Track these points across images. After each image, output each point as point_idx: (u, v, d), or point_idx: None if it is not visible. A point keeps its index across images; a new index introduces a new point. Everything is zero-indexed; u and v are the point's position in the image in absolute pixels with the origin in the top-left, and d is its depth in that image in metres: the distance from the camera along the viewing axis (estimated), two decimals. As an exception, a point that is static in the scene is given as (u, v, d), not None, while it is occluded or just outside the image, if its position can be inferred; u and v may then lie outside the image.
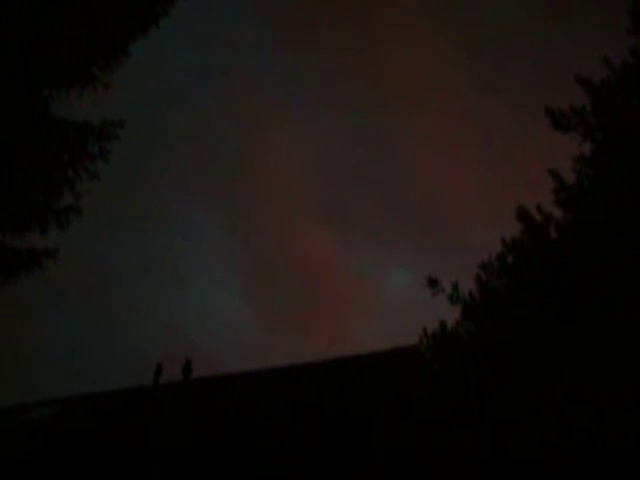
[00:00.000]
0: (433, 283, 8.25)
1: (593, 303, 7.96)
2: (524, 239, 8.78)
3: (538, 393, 7.71)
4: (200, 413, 11.61)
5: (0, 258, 9.17)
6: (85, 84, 9.37)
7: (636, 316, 7.55)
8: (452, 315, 8.39)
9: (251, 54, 25.70)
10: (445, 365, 8.71)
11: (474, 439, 8.00)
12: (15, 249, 9.24)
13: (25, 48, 8.80)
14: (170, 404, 12.57)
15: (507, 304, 8.63)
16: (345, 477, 8.99)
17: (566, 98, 9.05)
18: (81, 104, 9.28)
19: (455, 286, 8.28)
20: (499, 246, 8.65)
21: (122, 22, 9.59)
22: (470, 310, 8.64)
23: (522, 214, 8.71)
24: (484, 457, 8.03)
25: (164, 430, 11.24)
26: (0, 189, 8.90)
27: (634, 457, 6.90)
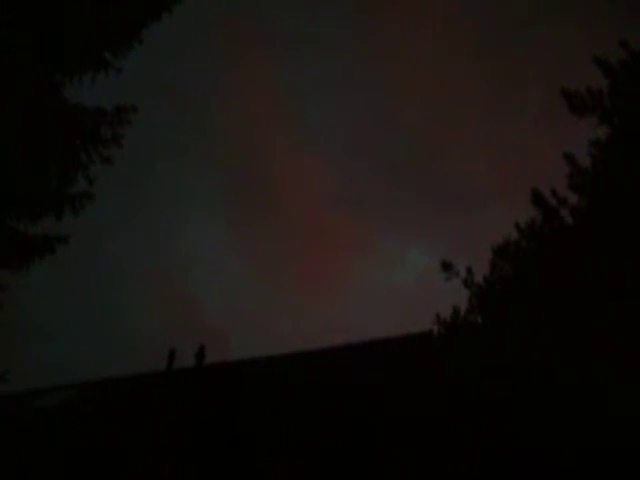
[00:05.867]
0: (447, 267, 8.19)
1: (606, 287, 7.87)
2: (538, 224, 8.69)
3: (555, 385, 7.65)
4: (212, 401, 11.65)
5: (15, 244, 9.19)
6: (98, 70, 9.34)
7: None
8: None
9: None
10: (458, 353, 8.66)
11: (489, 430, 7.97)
12: (29, 235, 9.26)
13: (37, 34, 8.78)
14: (184, 390, 12.60)
15: (521, 291, 8.56)
16: (359, 460, 9.01)
17: (583, 82, 8.94)
18: (94, 89, 9.27)
19: (469, 270, 8.22)
20: (514, 230, 8.57)
21: (134, 7, 9.55)
22: (483, 298, 8.57)
23: (537, 198, 8.63)
24: (497, 447, 8.00)
25: (176, 417, 11.28)
26: (15, 176, 8.91)
27: None
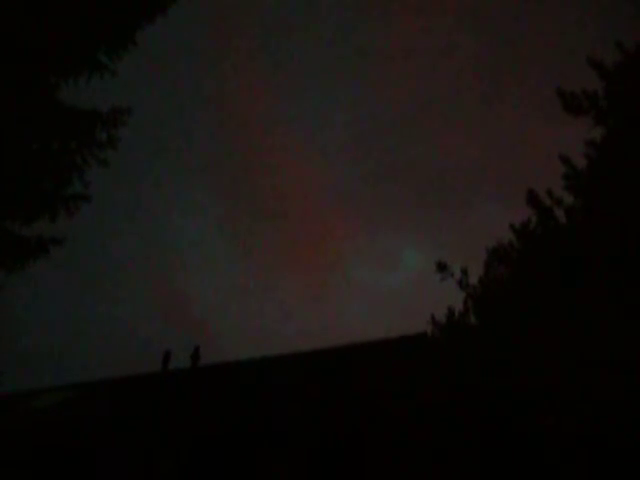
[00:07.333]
0: (442, 268, 8.18)
1: (601, 290, 7.88)
2: (533, 224, 8.70)
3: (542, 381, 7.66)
4: (208, 402, 11.64)
5: (9, 246, 9.18)
6: (92, 71, 9.33)
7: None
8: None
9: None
10: (454, 354, 8.66)
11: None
12: (24, 237, 9.25)
13: (31, 36, 8.76)
14: (179, 391, 12.59)
15: (515, 292, 8.57)
16: (353, 462, 9.01)
17: (579, 82, 8.95)
18: (89, 91, 9.26)
19: (464, 271, 8.22)
20: (509, 231, 8.58)
21: (129, 9, 9.55)
22: (478, 299, 8.58)
23: (532, 199, 8.63)
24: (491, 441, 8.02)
25: (172, 418, 11.27)
26: (9, 178, 8.90)
27: None
